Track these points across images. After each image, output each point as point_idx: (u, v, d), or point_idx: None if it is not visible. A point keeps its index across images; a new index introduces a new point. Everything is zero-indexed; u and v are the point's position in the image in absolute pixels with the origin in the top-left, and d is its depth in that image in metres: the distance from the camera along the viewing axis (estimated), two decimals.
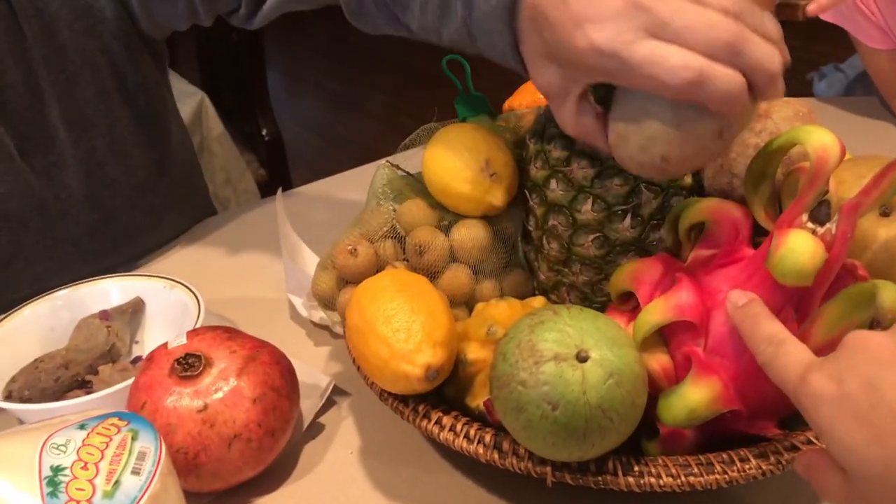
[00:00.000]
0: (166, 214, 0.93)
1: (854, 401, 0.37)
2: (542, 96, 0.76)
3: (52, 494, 0.44)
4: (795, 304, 0.48)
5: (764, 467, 0.48)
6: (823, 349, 0.46)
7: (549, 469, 0.49)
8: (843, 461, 0.38)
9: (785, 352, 0.42)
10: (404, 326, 0.54)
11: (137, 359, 0.73)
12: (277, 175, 1.89)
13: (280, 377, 0.59)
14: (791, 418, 0.52)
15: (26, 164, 0.79)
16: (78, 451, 0.47)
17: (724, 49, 0.43)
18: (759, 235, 0.52)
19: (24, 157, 0.79)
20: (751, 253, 0.51)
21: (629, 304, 0.55)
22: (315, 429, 0.65)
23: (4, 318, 0.71)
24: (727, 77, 0.43)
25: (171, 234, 0.95)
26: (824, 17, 1.13)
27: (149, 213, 0.90)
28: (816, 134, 0.48)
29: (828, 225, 0.47)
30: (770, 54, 0.44)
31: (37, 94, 0.78)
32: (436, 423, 0.54)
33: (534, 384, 0.46)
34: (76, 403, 0.61)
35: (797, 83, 1.41)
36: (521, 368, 0.47)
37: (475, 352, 0.55)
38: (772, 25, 0.45)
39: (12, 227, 0.80)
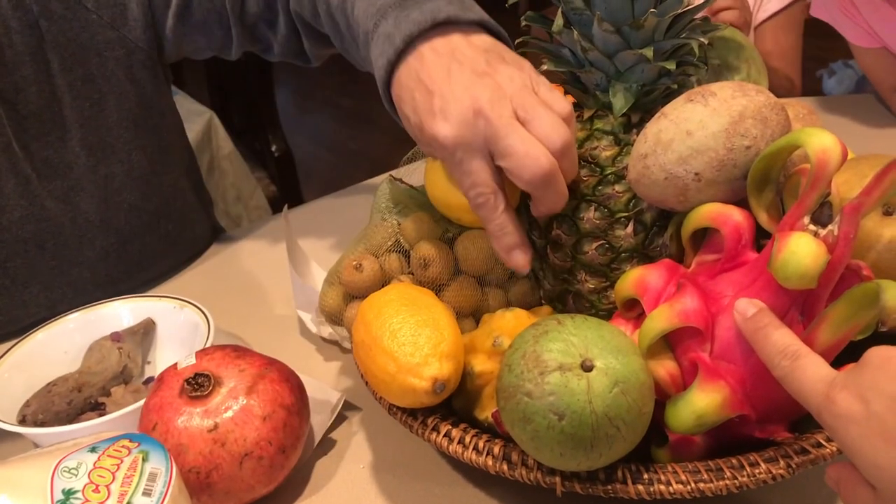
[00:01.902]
0: (179, 239, 0.94)
1: (881, 420, 0.37)
2: None
3: None
4: (800, 306, 0.48)
5: (774, 471, 0.47)
6: (830, 351, 0.46)
7: (558, 479, 0.49)
8: (872, 479, 0.38)
9: (802, 367, 0.42)
10: (410, 340, 0.54)
11: (150, 380, 0.74)
12: (289, 191, 1.90)
13: (290, 394, 0.59)
14: (801, 421, 0.51)
15: (44, 188, 0.80)
16: (89, 473, 0.47)
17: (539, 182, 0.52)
18: (762, 238, 0.52)
19: (41, 180, 0.80)
20: (754, 257, 0.51)
21: (634, 310, 0.55)
22: (326, 444, 0.65)
23: (18, 342, 0.71)
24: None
25: (183, 257, 0.96)
26: (815, 13, 1.15)
27: (163, 238, 0.91)
28: (817, 136, 0.47)
29: (830, 227, 0.47)
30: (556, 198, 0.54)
31: (58, 121, 0.79)
32: (445, 435, 0.54)
33: (539, 395, 0.46)
34: (89, 426, 0.62)
35: (807, 80, 1.41)
36: (527, 379, 0.47)
37: (482, 364, 0.55)
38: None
39: (28, 251, 0.80)
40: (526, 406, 0.47)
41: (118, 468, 0.48)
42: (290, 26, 0.83)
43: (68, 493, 0.46)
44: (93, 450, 0.49)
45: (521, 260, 0.55)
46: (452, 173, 0.55)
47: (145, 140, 0.86)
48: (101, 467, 0.48)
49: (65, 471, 0.47)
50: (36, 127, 0.78)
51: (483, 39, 0.57)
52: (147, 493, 0.47)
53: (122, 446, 0.50)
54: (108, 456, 0.49)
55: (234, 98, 2.01)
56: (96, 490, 0.46)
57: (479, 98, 0.52)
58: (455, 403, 0.57)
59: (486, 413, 0.55)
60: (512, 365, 0.49)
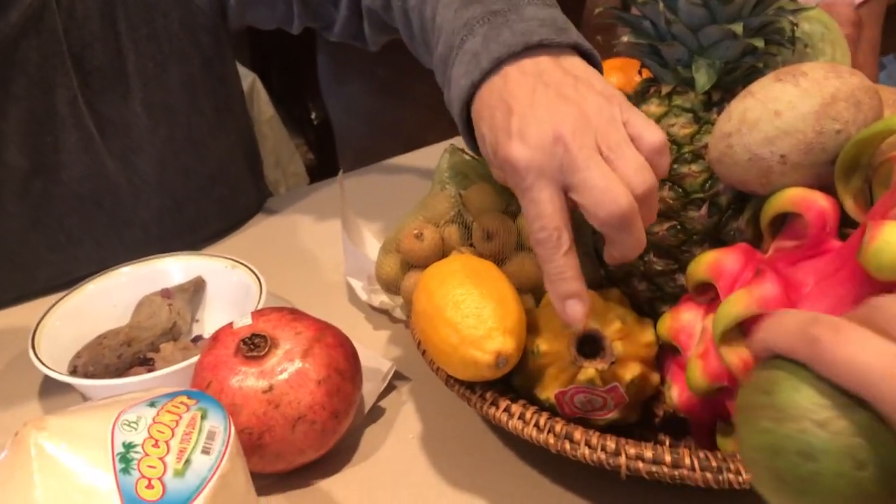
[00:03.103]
0: (232, 204, 0.93)
1: None
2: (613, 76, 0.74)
3: (125, 471, 0.44)
4: None
5: None
6: None
7: (622, 461, 0.48)
8: None
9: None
10: (474, 312, 0.53)
11: (198, 338, 0.73)
12: (326, 159, 1.89)
13: (344, 360, 0.59)
14: None
15: (105, 146, 0.80)
16: (149, 428, 0.47)
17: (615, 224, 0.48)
18: (844, 227, 0.50)
19: (103, 138, 0.79)
20: (838, 245, 0.49)
21: (707, 295, 0.54)
22: (376, 413, 0.65)
23: (69, 293, 0.71)
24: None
25: (233, 221, 0.95)
26: None
27: (216, 202, 0.91)
28: None
29: None
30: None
31: (121, 79, 0.79)
32: (504, 410, 0.53)
33: (837, 430, 0.35)
34: (140, 381, 0.62)
35: None
36: (824, 406, 0.36)
37: (548, 343, 0.54)
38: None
39: (85, 207, 0.80)
40: (813, 439, 0.35)
41: (177, 424, 0.48)
42: (353, 9, 0.81)
43: (128, 447, 0.45)
44: (152, 404, 0.49)
45: (576, 312, 0.49)
46: (521, 201, 0.51)
47: (205, 104, 0.86)
48: (160, 422, 0.47)
49: (125, 424, 0.46)
50: (100, 83, 0.78)
51: (574, 64, 0.53)
52: (206, 451, 0.47)
53: (181, 403, 0.49)
54: (167, 412, 0.48)
55: (276, 62, 2.00)
56: (156, 445, 0.46)
57: (562, 124, 0.48)
58: (514, 380, 0.56)
59: (547, 393, 0.53)
60: (799, 386, 0.36)
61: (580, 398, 0.53)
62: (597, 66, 0.55)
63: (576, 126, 0.48)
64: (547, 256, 0.49)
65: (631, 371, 0.53)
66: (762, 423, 0.36)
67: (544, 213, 0.49)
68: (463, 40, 0.56)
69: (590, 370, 0.51)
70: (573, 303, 0.49)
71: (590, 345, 0.52)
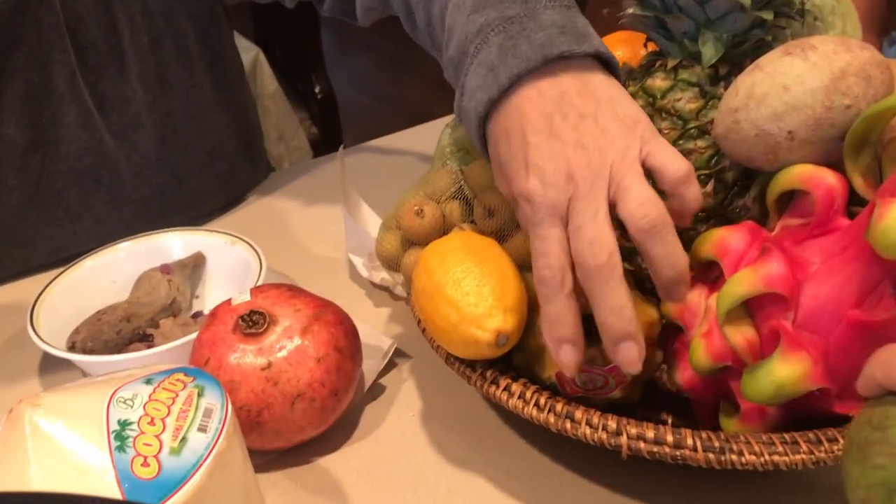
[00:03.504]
0: (232, 179, 0.93)
1: None
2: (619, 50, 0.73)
3: (120, 449, 0.43)
4: (894, 279, 0.45)
5: None
6: None
7: (624, 440, 0.48)
8: None
9: None
10: (474, 290, 0.52)
11: (198, 314, 0.73)
12: (330, 133, 1.87)
13: (344, 337, 0.58)
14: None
15: (103, 123, 0.79)
16: (144, 405, 0.46)
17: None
18: (853, 205, 0.49)
19: (101, 114, 0.79)
20: (846, 223, 0.48)
21: (711, 273, 0.53)
22: (376, 390, 0.64)
23: (68, 268, 0.71)
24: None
25: (233, 197, 0.94)
26: None
27: (218, 177, 0.90)
28: None
29: None
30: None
31: (117, 54, 0.78)
32: (504, 389, 0.52)
33: None
34: (139, 357, 0.61)
35: None
36: None
37: None
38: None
39: (84, 184, 0.80)
40: None
41: (173, 402, 0.47)
42: None
43: (124, 424, 0.45)
44: (148, 381, 0.48)
45: (569, 358, 0.47)
46: (530, 234, 0.49)
47: (203, 78, 0.85)
48: (156, 400, 0.47)
49: (120, 401, 0.46)
50: (95, 59, 0.77)
51: (595, 83, 0.50)
52: (202, 429, 0.46)
53: (178, 380, 0.49)
54: (164, 389, 0.48)
55: (279, 35, 1.98)
56: (151, 423, 0.45)
57: (575, 164, 0.47)
58: (516, 359, 0.55)
59: (548, 372, 0.53)
60: None
61: (582, 377, 0.52)
62: (616, 73, 0.53)
63: (591, 167, 0.47)
64: (548, 296, 0.47)
65: None
66: (876, 460, 0.34)
67: (551, 251, 0.47)
68: (478, 49, 0.53)
69: (592, 351, 0.50)
70: (567, 348, 0.47)
71: (593, 323, 0.51)
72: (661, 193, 0.48)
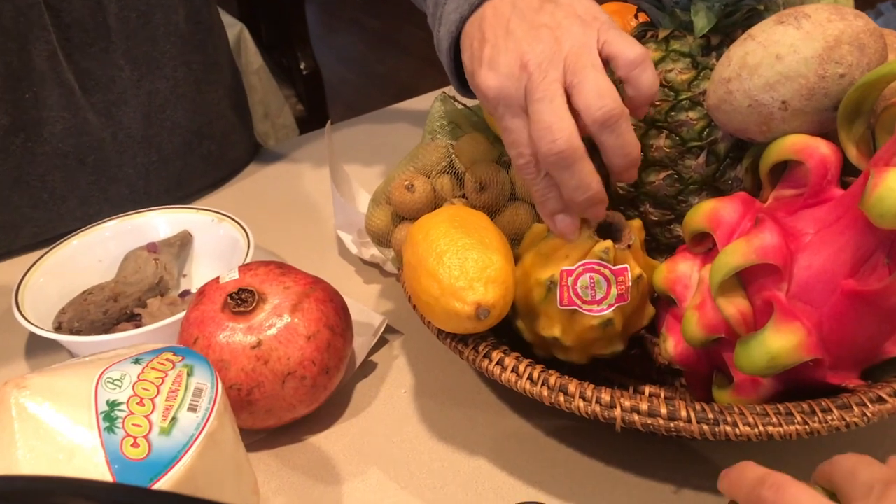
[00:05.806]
0: (220, 159, 0.91)
1: None
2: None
3: (109, 430, 0.43)
4: (887, 248, 0.45)
5: (848, 419, 0.45)
6: None
7: (618, 413, 0.47)
8: None
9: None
10: (456, 263, 0.52)
11: (186, 293, 0.72)
12: (316, 110, 1.86)
13: (335, 314, 0.57)
14: (873, 370, 0.49)
15: (86, 101, 0.78)
16: (133, 386, 0.45)
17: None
18: (846, 175, 0.49)
19: (84, 93, 0.77)
20: (840, 193, 0.48)
21: (704, 245, 0.53)
22: (368, 367, 0.64)
23: (53, 248, 0.70)
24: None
25: (221, 176, 0.93)
26: None
27: (204, 158, 0.89)
28: None
29: None
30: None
31: (102, 31, 0.76)
32: (497, 363, 0.52)
33: None
34: (126, 336, 0.61)
35: None
36: None
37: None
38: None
39: (69, 164, 0.78)
40: None
41: (162, 382, 0.46)
42: None
43: (113, 405, 0.44)
44: (136, 361, 0.48)
45: (564, 224, 0.50)
46: (498, 127, 0.52)
47: (191, 56, 0.83)
48: (145, 380, 0.46)
49: (108, 381, 0.45)
50: (80, 36, 0.75)
51: None
52: (192, 409, 0.46)
53: (166, 359, 0.48)
54: (153, 369, 0.47)
55: (264, 11, 1.95)
56: (141, 403, 0.45)
57: (528, 53, 0.48)
58: (517, 323, 0.55)
59: (552, 270, 0.52)
60: None
61: (584, 280, 0.51)
62: None
63: (544, 54, 0.48)
64: (529, 180, 0.50)
65: (637, 271, 0.52)
66: None
67: (519, 140, 0.49)
68: None
69: (607, 242, 0.50)
70: (561, 217, 0.50)
71: (608, 233, 0.53)
72: (620, 88, 0.48)
